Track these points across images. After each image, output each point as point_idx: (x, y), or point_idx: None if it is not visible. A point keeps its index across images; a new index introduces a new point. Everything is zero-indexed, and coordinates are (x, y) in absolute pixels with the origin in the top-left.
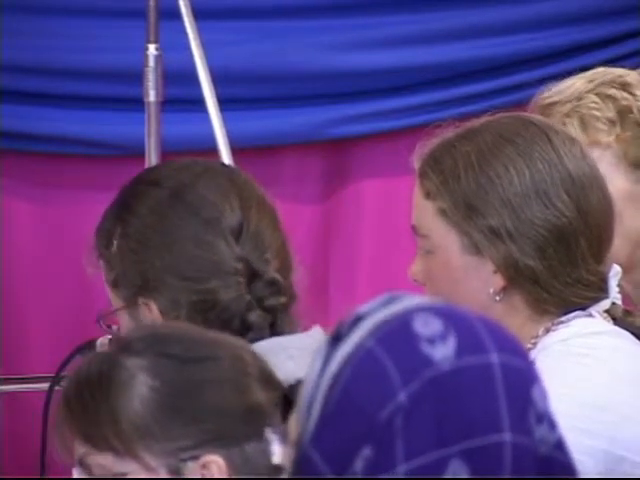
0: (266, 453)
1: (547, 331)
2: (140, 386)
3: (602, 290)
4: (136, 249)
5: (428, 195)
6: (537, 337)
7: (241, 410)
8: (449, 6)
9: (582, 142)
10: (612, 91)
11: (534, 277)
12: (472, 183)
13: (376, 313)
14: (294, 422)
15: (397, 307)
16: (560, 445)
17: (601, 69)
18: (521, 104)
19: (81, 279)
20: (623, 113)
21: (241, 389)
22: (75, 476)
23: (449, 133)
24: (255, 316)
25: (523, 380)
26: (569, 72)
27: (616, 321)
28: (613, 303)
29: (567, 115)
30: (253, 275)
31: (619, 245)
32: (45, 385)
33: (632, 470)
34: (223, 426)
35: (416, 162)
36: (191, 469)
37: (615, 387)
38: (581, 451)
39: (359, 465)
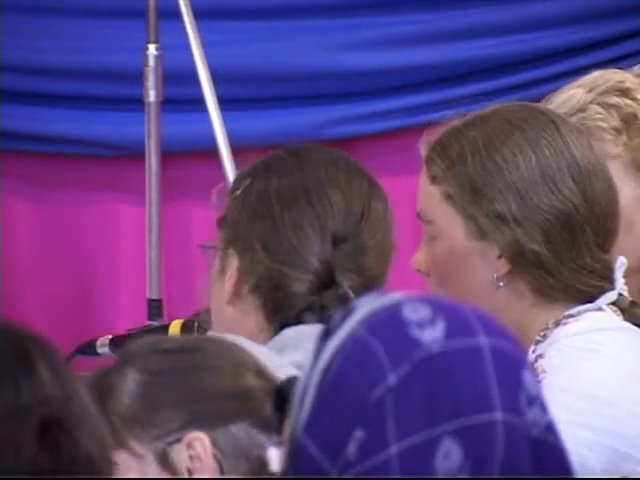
0: (252, 435)
1: (557, 324)
2: (129, 383)
3: (607, 279)
4: (248, 206)
5: (434, 180)
6: (547, 329)
7: (225, 392)
8: (449, 6)
9: None
10: (614, 99)
11: (539, 262)
12: (479, 167)
13: (365, 306)
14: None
15: (386, 300)
16: (551, 428)
17: (597, 74)
18: None
19: (81, 279)
20: (628, 121)
21: (225, 373)
22: None
23: (456, 121)
24: (310, 318)
25: (513, 363)
26: (569, 72)
27: (623, 313)
28: (620, 294)
29: None
30: (330, 283)
31: (631, 252)
32: None
33: (636, 468)
34: (206, 408)
35: (423, 149)
36: (177, 450)
37: (621, 383)
38: (584, 445)
39: (352, 448)
